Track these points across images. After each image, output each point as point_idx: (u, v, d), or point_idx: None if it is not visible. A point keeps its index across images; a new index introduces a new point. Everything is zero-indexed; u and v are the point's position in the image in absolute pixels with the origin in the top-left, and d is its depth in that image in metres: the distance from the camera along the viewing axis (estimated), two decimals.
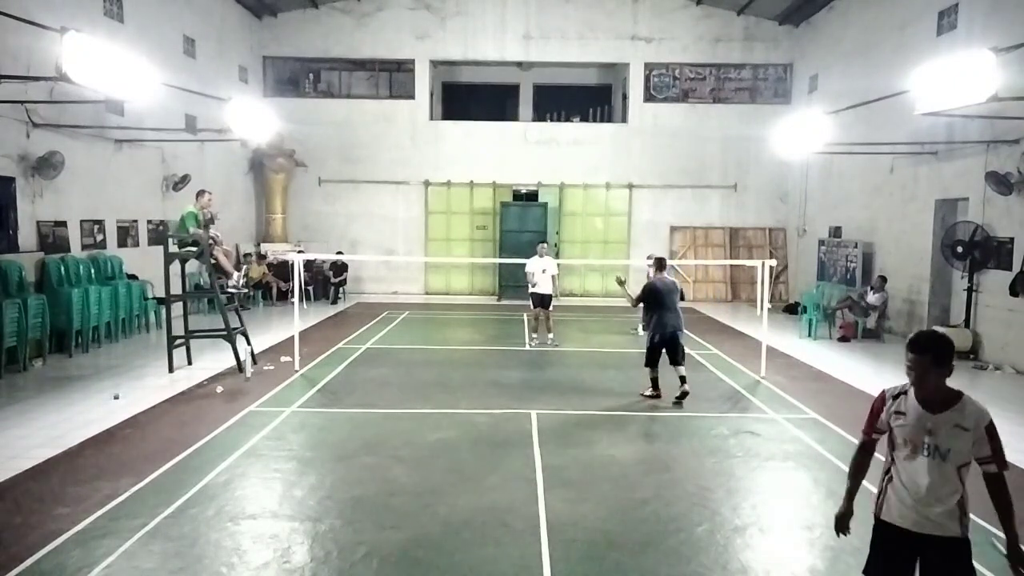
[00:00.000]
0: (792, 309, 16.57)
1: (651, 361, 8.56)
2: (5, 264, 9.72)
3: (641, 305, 13.65)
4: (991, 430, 2.96)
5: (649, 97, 19.52)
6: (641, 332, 13.25)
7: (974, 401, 3.01)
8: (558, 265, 12.63)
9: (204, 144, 15.49)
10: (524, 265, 12.53)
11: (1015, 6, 10.73)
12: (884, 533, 3.16)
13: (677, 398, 8.32)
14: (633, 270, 17.28)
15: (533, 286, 12.12)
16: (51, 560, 4.40)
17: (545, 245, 12.75)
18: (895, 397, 3.14)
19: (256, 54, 19.07)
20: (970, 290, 11.59)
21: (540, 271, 12.01)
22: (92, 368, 9.82)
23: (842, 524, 3.32)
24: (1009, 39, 8.91)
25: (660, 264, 8.90)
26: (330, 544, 4.70)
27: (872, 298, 13.30)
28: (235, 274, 10.79)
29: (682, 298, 8.93)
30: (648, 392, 8.62)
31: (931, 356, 2.97)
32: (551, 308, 12.25)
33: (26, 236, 10.58)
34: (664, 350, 8.51)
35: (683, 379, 8.41)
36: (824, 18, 17.49)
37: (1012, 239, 10.79)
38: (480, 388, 9.19)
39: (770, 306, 12.72)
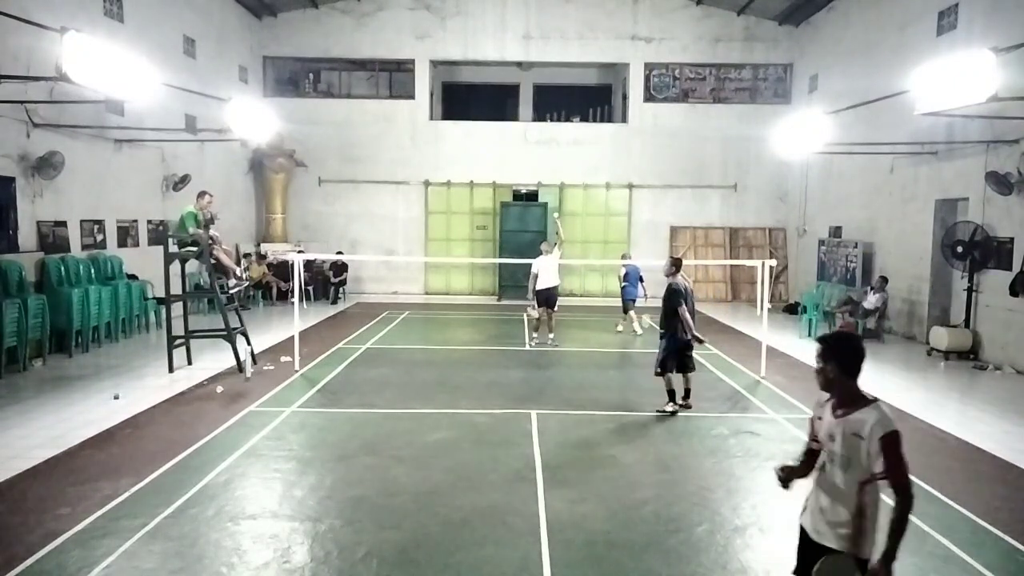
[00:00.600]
0: (792, 309, 16.57)
1: (667, 367, 8.01)
2: (5, 264, 9.72)
3: (629, 302, 13.65)
4: (888, 443, 2.74)
5: (649, 97, 19.52)
6: (640, 331, 13.30)
7: (882, 411, 2.83)
8: (560, 254, 12.45)
9: (204, 144, 15.49)
10: (522, 265, 12.49)
11: (1015, 6, 10.73)
12: (801, 536, 3.13)
13: (679, 406, 8.12)
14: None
15: (537, 285, 12.01)
16: (51, 560, 4.40)
17: (547, 243, 12.77)
18: (825, 402, 3.06)
19: (256, 54, 19.07)
20: (970, 290, 11.58)
21: (545, 269, 11.97)
22: (92, 368, 9.82)
23: (782, 474, 3.26)
24: (1009, 39, 8.92)
25: (678, 265, 8.24)
26: (330, 544, 4.71)
27: (871, 300, 13.29)
28: (237, 269, 10.79)
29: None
30: (669, 408, 7.94)
31: (825, 348, 2.93)
32: (556, 308, 12.22)
33: (26, 236, 10.58)
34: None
35: (688, 392, 8.12)
36: (824, 18, 17.48)
37: (1012, 239, 10.79)
38: (480, 388, 9.19)
39: (770, 306, 12.73)
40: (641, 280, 13.39)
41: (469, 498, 5.52)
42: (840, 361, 2.91)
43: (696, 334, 8.01)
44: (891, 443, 2.76)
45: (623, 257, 14.00)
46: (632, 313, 13.41)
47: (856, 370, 2.92)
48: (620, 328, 13.54)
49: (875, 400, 2.90)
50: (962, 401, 9.07)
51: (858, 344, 2.96)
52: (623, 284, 13.42)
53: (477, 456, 6.52)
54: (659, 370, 8.04)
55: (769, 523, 5.17)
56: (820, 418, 3.06)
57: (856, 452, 2.83)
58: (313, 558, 4.53)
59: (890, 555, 2.75)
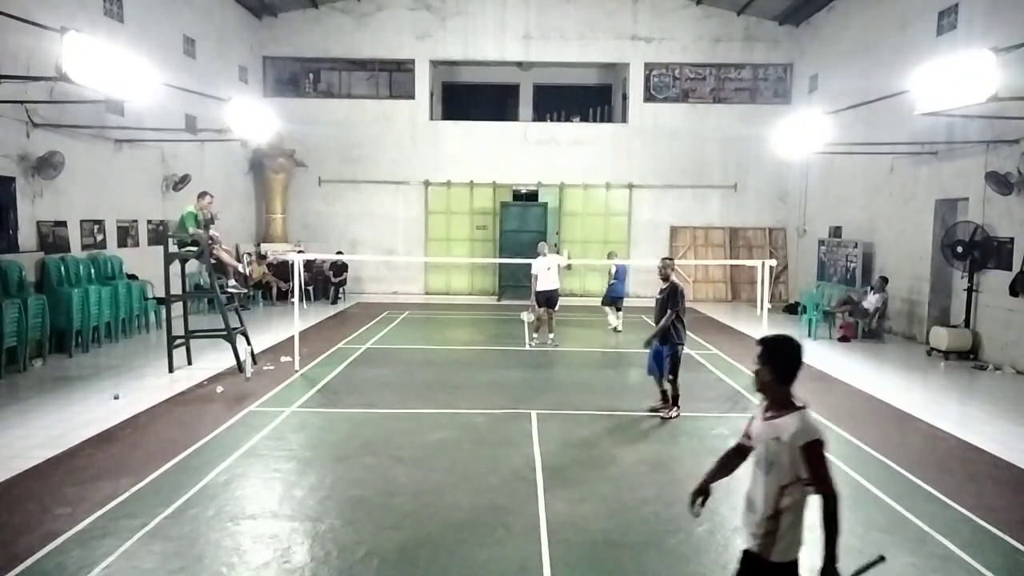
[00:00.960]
0: (792, 309, 16.58)
1: (677, 372, 7.74)
2: (5, 264, 9.72)
3: (617, 299, 13.78)
4: (810, 451, 2.74)
5: (649, 97, 19.52)
6: (613, 324, 13.41)
7: (806, 418, 2.82)
8: (567, 256, 12.57)
9: (204, 144, 15.49)
10: (522, 265, 12.55)
11: (1015, 6, 10.73)
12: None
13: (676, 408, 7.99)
14: (633, 270, 17.28)
15: (537, 286, 12.03)
16: (51, 560, 4.40)
17: (545, 244, 12.79)
18: (760, 404, 3.06)
19: (256, 54, 19.07)
20: (970, 290, 11.58)
21: (545, 269, 11.99)
22: (92, 368, 9.82)
23: (693, 497, 3.24)
24: (1009, 39, 8.92)
25: (673, 266, 7.98)
26: (330, 544, 4.70)
27: (871, 300, 13.28)
28: (239, 265, 10.78)
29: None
30: (674, 412, 7.79)
31: (763, 351, 2.92)
32: (557, 308, 12.24)
33: (26, 236, 10.57)
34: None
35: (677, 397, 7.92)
36: (824, 18, 17.48)
37: (1012, 239, 10.79)
38: (480, 388, 9.19)
39: (770, 306, 12.72)
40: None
41: (469, 498, 5.52)
42: (775, 366, 2.91)
43: (652, 339, 7.74)
44: (813, 451, 2.76)
45: (609, 256, 14.22)
46: (608, 309, 13.66)
47: (790, 377, 2.91)
48: (620, 328, 13.57)
49: (803, 407, 2.88)
50: (962, 401, 9.07)
51: (796, 351, 2.93)
52: (612, 282, 13.64)
53: (477, 456, 6.52)
54: (671, 377, 7.77)
55: None
56: (755, 418, 3.06)
57: (776, 456, 2.83)
58: (313, 558, 4.53)
59: (831, 558, 2.78)
